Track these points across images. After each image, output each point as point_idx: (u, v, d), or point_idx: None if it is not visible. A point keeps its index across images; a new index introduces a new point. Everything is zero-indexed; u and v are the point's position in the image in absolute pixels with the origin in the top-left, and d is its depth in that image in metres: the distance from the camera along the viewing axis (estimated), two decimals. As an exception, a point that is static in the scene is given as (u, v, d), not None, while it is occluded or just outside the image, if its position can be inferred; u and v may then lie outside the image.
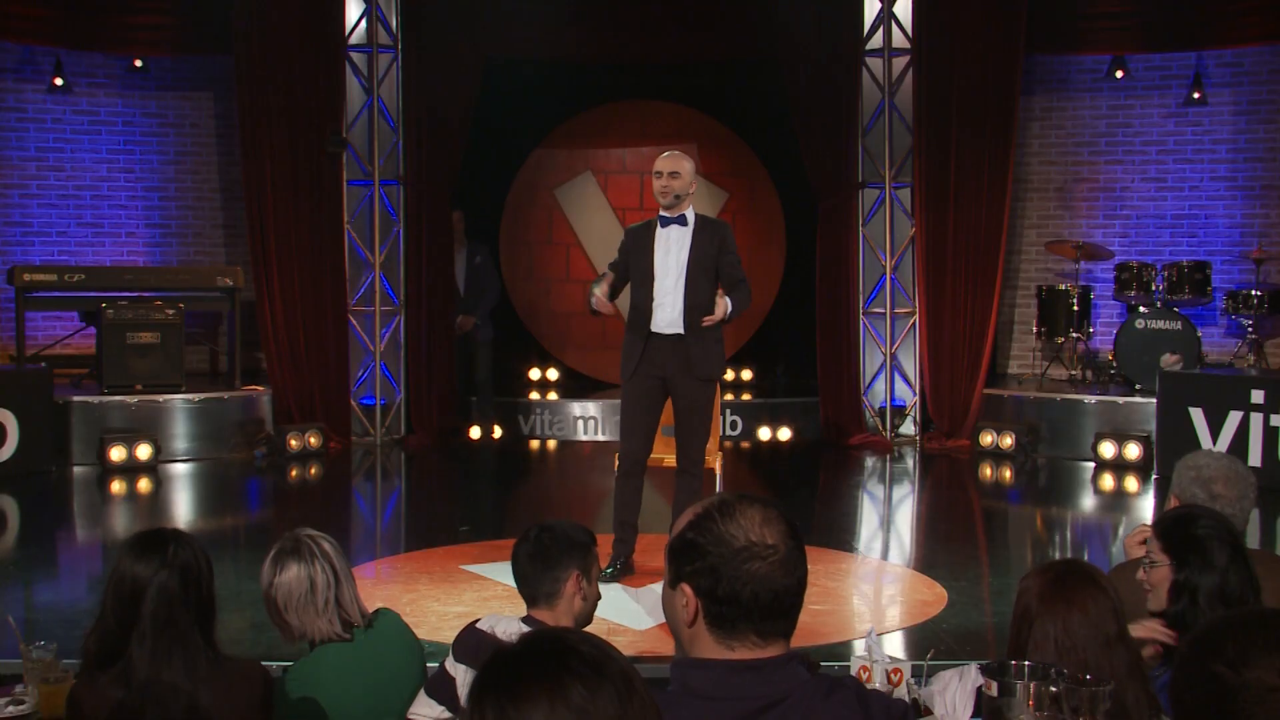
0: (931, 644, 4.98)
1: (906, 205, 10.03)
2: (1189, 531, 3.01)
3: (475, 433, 10.26)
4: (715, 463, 6.53)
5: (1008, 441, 9.45)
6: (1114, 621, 2.51)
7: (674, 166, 5.83)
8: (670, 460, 6.21)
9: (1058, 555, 7.05)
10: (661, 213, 5.90)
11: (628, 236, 6.07)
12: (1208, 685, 1.80)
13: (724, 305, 5.72)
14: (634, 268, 5.94)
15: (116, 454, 8.72)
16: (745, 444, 10.29)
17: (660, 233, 5.89)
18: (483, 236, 10.76)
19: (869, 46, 10.01)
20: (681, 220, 5.89)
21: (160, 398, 9.16)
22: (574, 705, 1.44)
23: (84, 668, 2.87)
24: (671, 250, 5.86)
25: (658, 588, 5.72)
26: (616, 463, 6.02)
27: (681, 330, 5.83)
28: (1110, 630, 2.50)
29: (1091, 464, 9.13)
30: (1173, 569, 2.99)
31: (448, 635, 4.46)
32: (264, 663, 3.56)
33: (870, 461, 9.56)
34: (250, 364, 10.24)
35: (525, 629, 3.18)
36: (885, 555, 6.99)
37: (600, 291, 5.78)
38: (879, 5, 9.98)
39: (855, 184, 10.04)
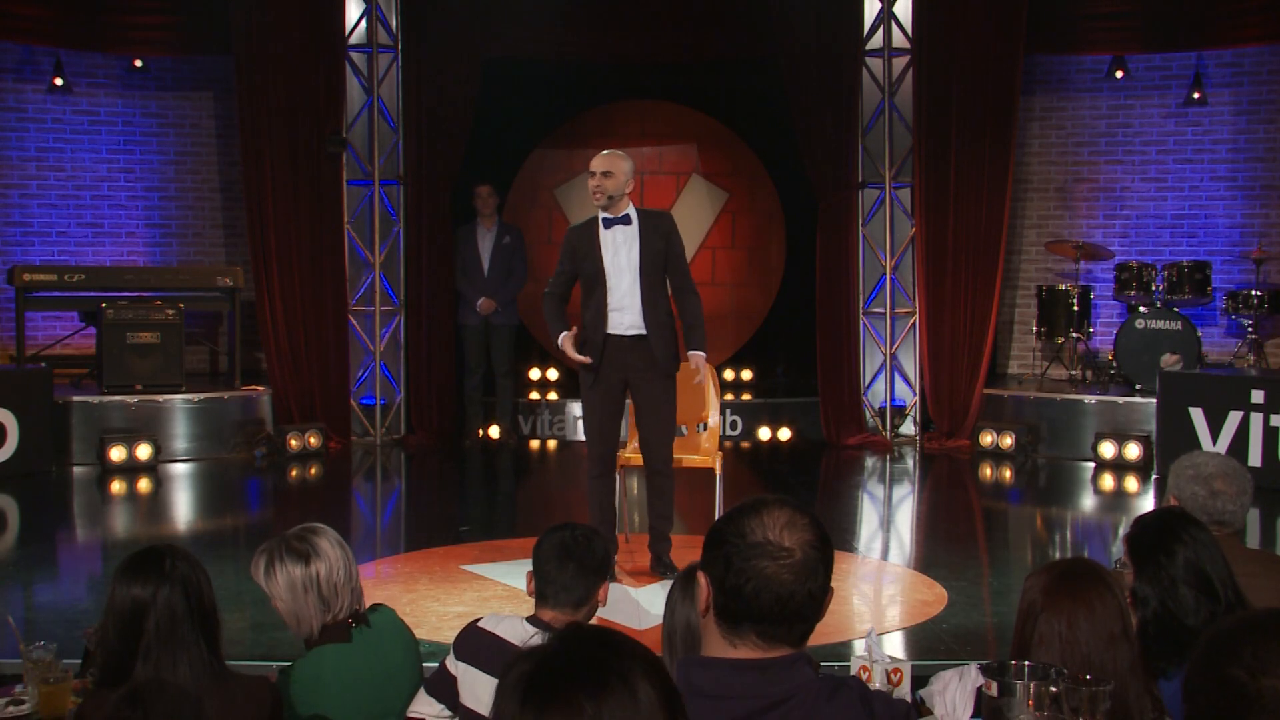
0: (932, 644, 4.98)
1: (906, 205, 10.03)
2: (1156, 540, 2.98)
3: (495, 432, 10.10)
4: (715, 463, 6.54)
5: (1008, 441, 9.45)
6: (1119, 620, 2.50)
7: (607, 166, 5.78)
8: (635, 459, 6.22)
9: (1057, 555, 7.05)
10: (602, 213, 5.84)
11: (571, 237, 5.99)
12: (1222, 689, 1.78)
13: (700, 362, 5.93)
14: (583, 271, 5.89)
15: (116, 454, 8.72)
16: (745, 444, 10.29)
17: (605, 234, 5.83)
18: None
19: (869, 46, 10.01)
20: (625, 219, 5.84)
21: (160, 398, 9.16)
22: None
23: (92, 686, 2.87)
24: (620, 252, 5.82)
25: (658, 587, 5.74)
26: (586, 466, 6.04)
27: (644, 330, 5.83)
28: (1115, 628, 2.49)
29: (1091, 464, 9.13)
30: (1133, 575, 2.97)
31: (448, 635, 4.46)
32: (263, 663, 3.57)
33: (870, 461, 9.56)
34: (250, 364, 10.24)
35: (529, 628, 3.17)
36: (885, 555, 6.99)
37: (568, 341, 5.87)
38: (879, 5, 9.98)
39: (855, 184, 10.04)
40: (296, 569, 3.11)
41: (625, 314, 5.82)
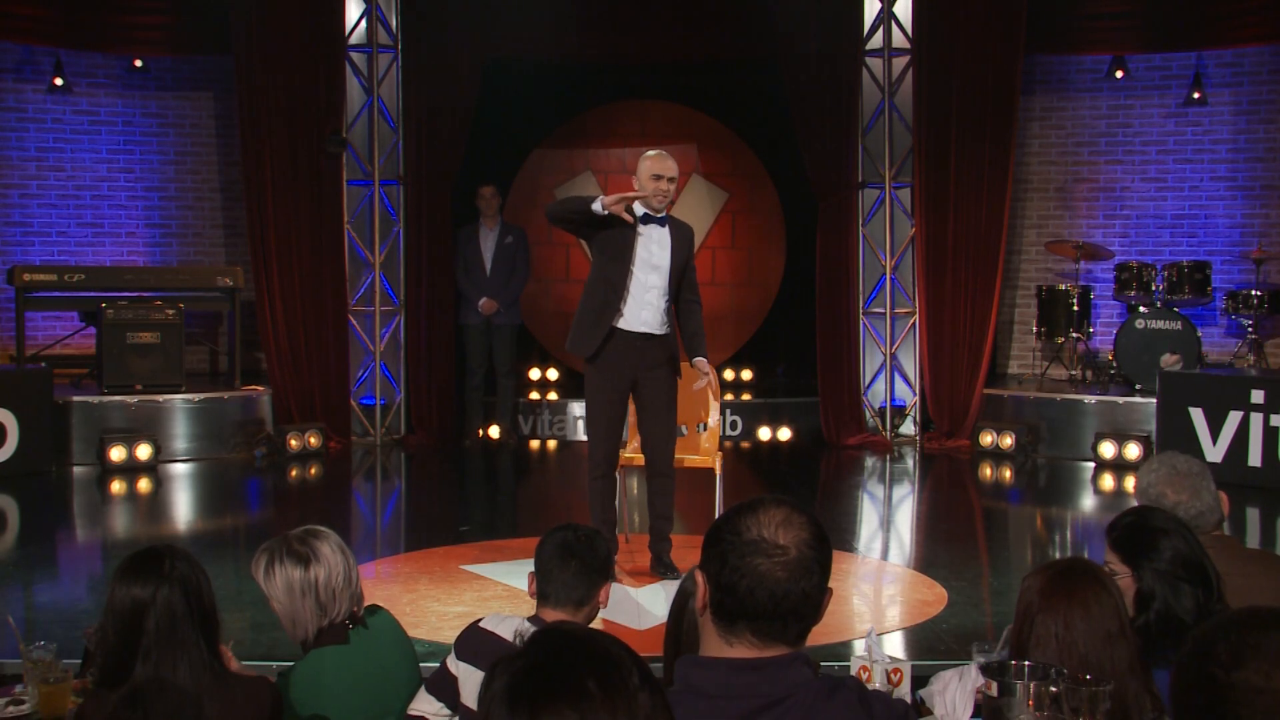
0: (932, 644, 4.98)
1: (906, 205, 10.03)
2: (1140, 537, 2.97)
3: (495, 432, 10.11)
4: (715, 463, 6.54)
5: (1008, 441, 9.45)
6: (1115, 619, 2.51)
7: (675, 171, 5.81)
8: (635, 459, 6.22)
9: (1057, 555, 7.05)
10: (644, 210, 5.81)
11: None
12: (1203, 687, 1.80)
13: (708, 368, 5.94)
14: (606, 251, 5.81)
15: (116, 454, 8.72)
16: (745, 444, 10.28)
17: (642, 229, 5.78)
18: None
19: (869, 46, 10.01)
20: (661, 221, 5.84)
21: (160, 398, 9.16)
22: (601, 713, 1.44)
23: (92, 686, 2.87)
24: (654, 251, 5.80)
25: (657, 587, 5.75)
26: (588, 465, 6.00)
27: (659, 331, 5.84)
28: (1112, 627, 2.50)
29: (1091, 464, 9.13)
30: (1134, 578, 2.95)
31: (448, 635, 4.46)
32: (263, 663, 3.57)
33: (870, 461, 9.56)
34: (250, 364, 10.24)
35: (531, 628, 3.17)
36: (885, 555, 6.99)
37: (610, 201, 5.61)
38: (879, 5, 9.98)
39: (855, 184, 10.04)
40: (296, 572, 3.11)
41: (641, 312, 5.80)
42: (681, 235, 5.90)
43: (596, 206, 5.63)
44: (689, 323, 5.97)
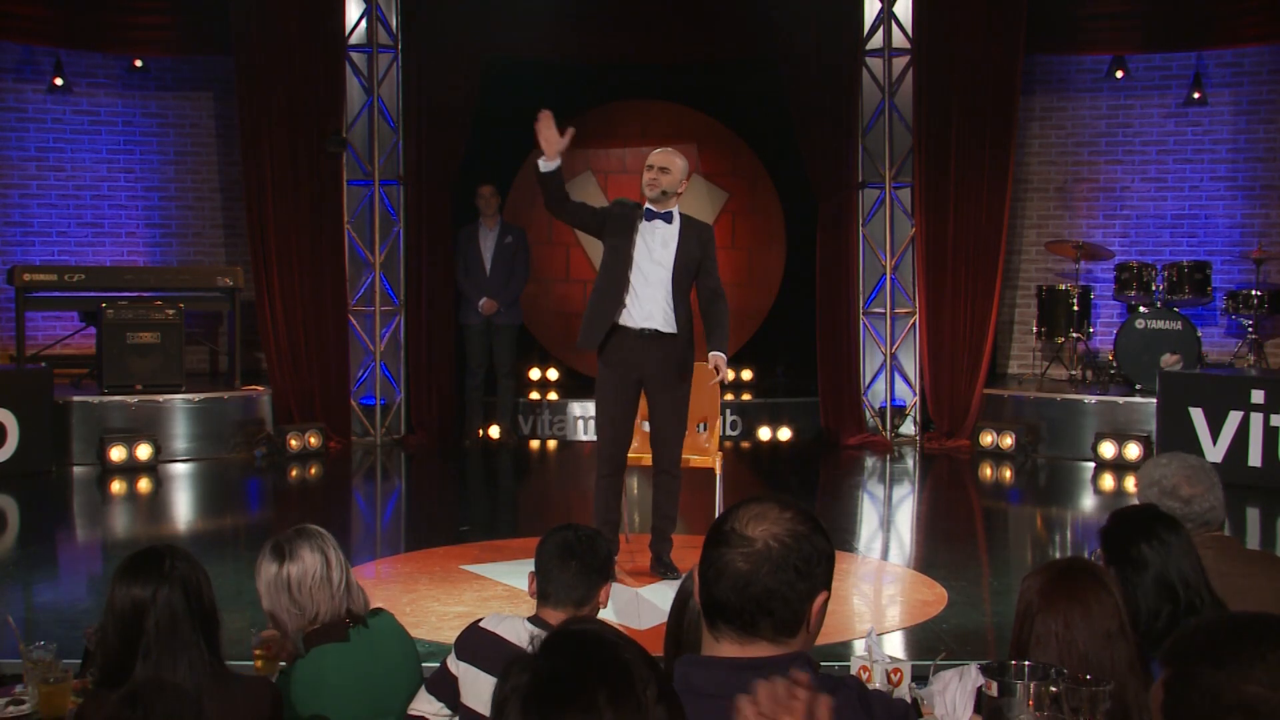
0: (932, 644, 4.98)
1: (906, 205, 10.03)
2: (1127, 537, 2.97)
3: (495, 432, 10.11)
4: (715, 463, 6.54)
5: (1008, 441, 9.45)
6: (1115, 618, 2.51)
7: (665, 162, 5.81)
8: (639, 459, 6.22)
9: (1057, 555, 7.05)
10: (648, 205, 5.85)
11: (615, 207, 5.94)
12: (1241, 710, 1.73)
13: (722, 363, 5.91)
14: (610, 249, 5.87)
15: (116, 454, 8.72)
16: (745, 444, 10.29)
17: (644, 225, 5.81)
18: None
19: (869, 46, 10.01)
20: (667, 217, 5.85)
21: (160, 398, 9.16)
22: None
23: (92, 686, 2.87)
24: (655, 247, 5.82)
25: (658, 586, 5.75)
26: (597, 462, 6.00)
27: (664, 329, 5.83)
28: (1112, 627, 2.49)
29: (1091, 464, 9.13)
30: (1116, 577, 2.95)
31: (448, 635, 4.46)
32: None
33: (870, 461, 9.56)
34: (250, 364, 10.24)
35: (531, 628, 3.18)
36: (885, 555, 7.00)
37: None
38: (879, 5, 9.98)
39: (855, 184, 10.04)
40: (271, 568, 3.15)
41: (644, 308, 5.80)
42: (691, 233, 5.88)
43: (541, 163, 5.74)
44: (714, 317, 5.96)
